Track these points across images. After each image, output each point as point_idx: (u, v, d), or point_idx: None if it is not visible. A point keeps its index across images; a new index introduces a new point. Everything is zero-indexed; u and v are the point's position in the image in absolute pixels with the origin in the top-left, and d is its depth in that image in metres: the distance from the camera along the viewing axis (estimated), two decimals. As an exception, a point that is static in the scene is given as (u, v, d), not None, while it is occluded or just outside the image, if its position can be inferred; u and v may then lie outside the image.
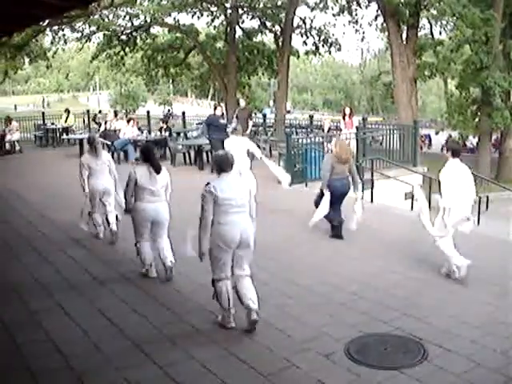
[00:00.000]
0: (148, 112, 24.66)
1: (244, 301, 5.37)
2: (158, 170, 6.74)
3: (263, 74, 31.65)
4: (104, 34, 28.09)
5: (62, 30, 27.64)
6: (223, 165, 5.40)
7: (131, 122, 18.79)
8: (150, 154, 6.89)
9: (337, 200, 8.68)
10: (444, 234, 6.81)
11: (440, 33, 30.37)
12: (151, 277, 6.97)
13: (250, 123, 15.90)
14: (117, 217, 8.63)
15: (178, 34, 29.17)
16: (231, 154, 5.59)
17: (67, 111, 23.54)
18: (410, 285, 6.65)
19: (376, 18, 26.50)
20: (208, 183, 5.31)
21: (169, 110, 23.47)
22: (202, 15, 27.69)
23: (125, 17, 27.53)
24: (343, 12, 26.84)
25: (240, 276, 5.46)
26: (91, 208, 8.74)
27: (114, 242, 8.53)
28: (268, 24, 28.26)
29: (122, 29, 28.10)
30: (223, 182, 5.34)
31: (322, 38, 27.89)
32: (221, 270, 5.41)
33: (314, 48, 28.39)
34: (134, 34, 28.36)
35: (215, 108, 16.09)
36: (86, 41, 29.20)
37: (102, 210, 8.74)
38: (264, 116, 23.21)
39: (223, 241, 5.29)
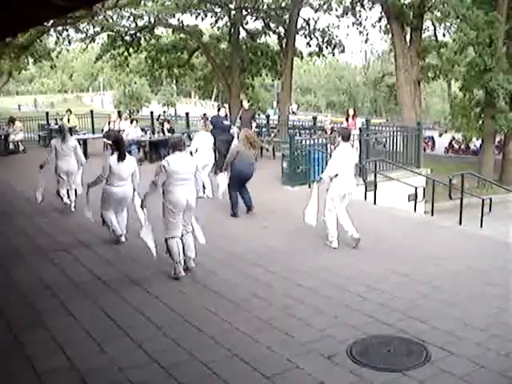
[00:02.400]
0: (151, 113, 24.69)
1: (186, 253, 7.01)
2: (122, 158, 8.09)
3: (267, 75, 31.66)
4: (108, 35, 28.16)
5: (67, 31, 27.73)
6: (177, 145, 6.91)
7: (134, 122, 18.85)
8: (120, 143, 8.32)
9: (244, 181, 10.43)
10: (331, 208, 8.19)
11: (444, 35, 30.29)
12: (121, 242, 8.47)
13: (254, 124, 15.90)
14: (75, 193, 10.51)
15: (182, 35, 29.20)
16: (184, 137, 7.23)
17: (69, 111, 23.59)
18: (413, 287, 6.64)
19: (380, 19, 26.50)
20: (164, 159, 6.94)
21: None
22: (205, 16, 27.69)
23: (129, 17, 27.61)
24: (347, 13, 26.82)
25: (186, 233, 7.00)
26: (58, 185, 10.47)
27: (68, 213, 10.43)
28: (272, 25, 28.28)
29: (126, 29, 28.16)
30: (175, 158, 6.84)
31: (326, 39, 27.86)
32: (172, 230, 6.85)
33: (317, 49, 28.36)
34: (138, 34, 28.41)
35: (219, 109, 16.08)
36: (90, 41, 29.25)
37: (67, 186, 10.49)
38: (267, 117, 23.19)
39: (173, 205, 6.77)
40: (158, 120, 24.57)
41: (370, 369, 4.69)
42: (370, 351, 4.99)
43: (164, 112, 48.35)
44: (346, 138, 8.32)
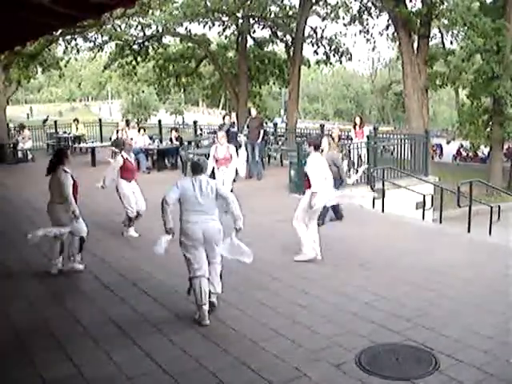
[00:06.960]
0: (159, 121, 24.74)
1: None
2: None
3: (274, 83, 31.76)
4: (116, 44, 28.31)
5: (75, 40, 27.89)
6: (194, 169, 5.99)
7: (142, 131, 18.91)
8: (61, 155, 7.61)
9: None
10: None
11: (451, 42, 30.26)
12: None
13: (261, 132, 15.92)
14: None
15: (190, 44, 29.36)
16: (204, 160, 6.24)
17: (76, 121, 23.74)
18: (421, 295, 6.62)
19: (387, 27, 26.52)
20: (177, 181, 5.95)
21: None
22: (213, 25, 27.85)
23: (137, 27, 27.77)
24: (354, 22, 26.90)
25: (210, 263, 5.93)
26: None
27: None
28: (279, 34, 28.40)
29: (134, 38, 28.31)
30: (188, 181, 5.89)
31: (333, 47, 27.93)
32: (194, 267, 5.80)
33: (324, 57, 28.43)
34: (146, 43, 28.57)
35: (224, 117, 16.18)
36: (99, 50, 29.39)
37: None
38: (275, 125, 23.18)
39: (186, 237, 5.79)
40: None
41: (378, 377, 4.66)
42: (378, 360, 4.97)
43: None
44: (317, 147, 8.20)
